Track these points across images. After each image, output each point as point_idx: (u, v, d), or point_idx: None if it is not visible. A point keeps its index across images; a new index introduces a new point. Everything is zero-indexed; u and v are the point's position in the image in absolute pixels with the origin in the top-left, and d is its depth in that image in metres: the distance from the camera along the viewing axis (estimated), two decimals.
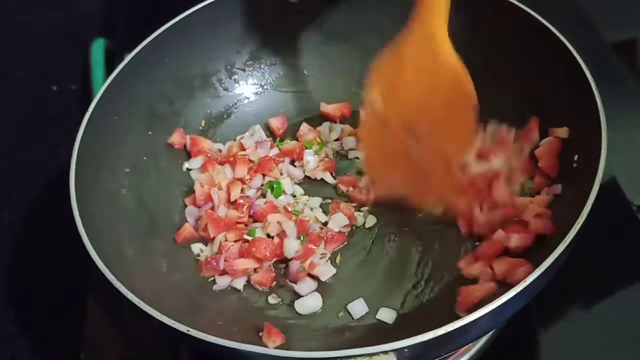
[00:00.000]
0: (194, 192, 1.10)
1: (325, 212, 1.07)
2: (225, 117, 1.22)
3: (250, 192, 1.11)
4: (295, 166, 1.14)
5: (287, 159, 1.14)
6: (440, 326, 0.71)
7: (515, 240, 0.92)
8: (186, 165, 1.14)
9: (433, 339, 0.70)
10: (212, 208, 1.07)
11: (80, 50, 1.52)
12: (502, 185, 0.97)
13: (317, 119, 1.22)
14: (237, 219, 1.06)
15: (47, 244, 1.28)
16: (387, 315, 0.94)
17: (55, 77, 1.57)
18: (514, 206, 0.97)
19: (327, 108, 1.21)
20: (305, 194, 1.11)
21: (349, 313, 0.95)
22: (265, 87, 1.25)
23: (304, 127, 1.18)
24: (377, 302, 0.96)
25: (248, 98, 1.24)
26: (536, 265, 0.76)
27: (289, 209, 1.06)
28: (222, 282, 1.00)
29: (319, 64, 1.25)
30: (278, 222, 1.04)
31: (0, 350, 1.15)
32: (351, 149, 1.15)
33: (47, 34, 1.67)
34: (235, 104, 1.23)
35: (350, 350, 0.70)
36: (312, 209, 1.08)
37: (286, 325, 0.95)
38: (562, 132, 0.98)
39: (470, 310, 0.74)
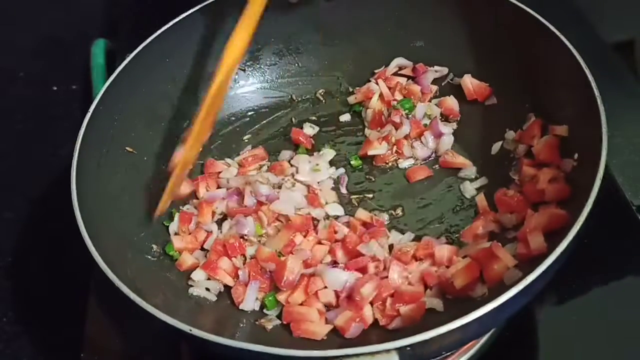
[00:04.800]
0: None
1: None
2: (226, 117, 1.22)
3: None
4: None
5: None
6: (442, 325, 0.71)
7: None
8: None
9: (434, 337, 0.70)
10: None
11: (81, 50, 1.52)
12: None
13: (316, 120, 1.23)
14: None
15: (47, 244, 1.29)
16: None
17: (56, 77, 1.57)
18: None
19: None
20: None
21: None
22: (265, 87, 1.25)
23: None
24: None
25: (248, 99, 1.24)
26: (536, 264, 0.76)
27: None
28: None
29: (319, 64, 1.25)
30: None
31: (0, 350, 1.15)
32: None
33: (48, 34, 1.67)
34: (236, 103, 1.23)
35: (353, 349, 0.70)
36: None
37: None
38: (562, 130, 0.98)
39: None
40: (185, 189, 1.10)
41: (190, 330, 0.75)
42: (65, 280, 1.21)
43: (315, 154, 1.16)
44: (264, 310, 0.96)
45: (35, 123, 1.51)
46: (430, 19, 1.17)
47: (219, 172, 1.14)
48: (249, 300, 0.96)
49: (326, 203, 1.08)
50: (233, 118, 1.22)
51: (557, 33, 0.98)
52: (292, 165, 1.14)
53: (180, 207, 1.08)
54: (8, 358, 1.15)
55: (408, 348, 0.70)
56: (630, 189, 1.11)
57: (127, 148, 1.07)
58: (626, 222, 1.08)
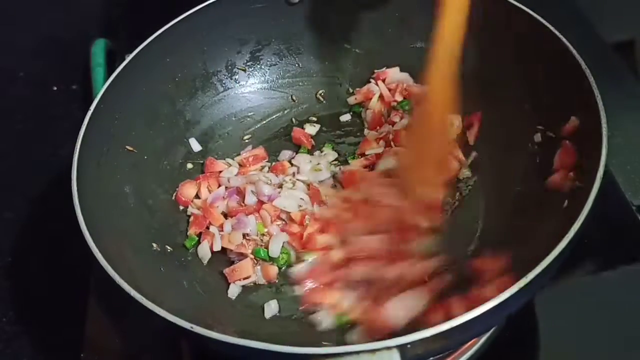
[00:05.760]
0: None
1: None
2: (226, 117, 1.22)
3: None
4: None
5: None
6: (442, 322, 0.71)
7: None
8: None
9: (435, 334, 0.70)
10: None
11: (81, 50, 1.52)
12: None
13: (316, 120, 1.23)
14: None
15: (47, 244, 1.28)
16: None
17: (56, 77, 1.57)
18: None
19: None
20: None
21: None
22: (266, 87, 1.25)
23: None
24: None
25: (249, 99, 1.24)
26: (536, 262, 0.77)
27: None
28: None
29: (320, 65, 1.25)
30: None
31: (0, 350, 1.15)
32: None
33: (48, 34, 1.67)
34: (237, 103, 1.23)
35: (354, 346, 0.70)
36: None
37: (289, 320, 0.96)
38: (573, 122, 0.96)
39: None
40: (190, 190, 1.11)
41: (192, 327, 0.75)
42: (65, 281, 1.21)
43: (316, 153, 1.17)
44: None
45: (35, 123, 1.51)
46: (431, 20, 1.17)
47: (220, 172, 1.14)
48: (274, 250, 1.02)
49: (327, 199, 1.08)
50: (233, 118, 1.22)
51: (557, 33, 0.98)
52: (292, 165, 1.14)
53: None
54: (8, 358, 1.14)
55: (409, 345, 0.70)
56: (630, 189, 1.11)
57: (127, 147, 1.07)
58: (626, 222, 1.08)
